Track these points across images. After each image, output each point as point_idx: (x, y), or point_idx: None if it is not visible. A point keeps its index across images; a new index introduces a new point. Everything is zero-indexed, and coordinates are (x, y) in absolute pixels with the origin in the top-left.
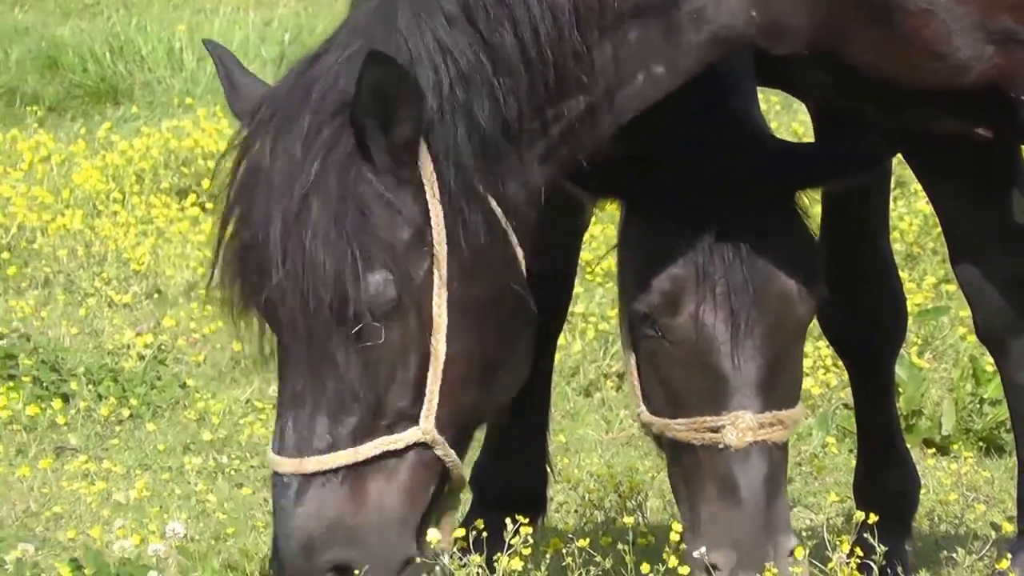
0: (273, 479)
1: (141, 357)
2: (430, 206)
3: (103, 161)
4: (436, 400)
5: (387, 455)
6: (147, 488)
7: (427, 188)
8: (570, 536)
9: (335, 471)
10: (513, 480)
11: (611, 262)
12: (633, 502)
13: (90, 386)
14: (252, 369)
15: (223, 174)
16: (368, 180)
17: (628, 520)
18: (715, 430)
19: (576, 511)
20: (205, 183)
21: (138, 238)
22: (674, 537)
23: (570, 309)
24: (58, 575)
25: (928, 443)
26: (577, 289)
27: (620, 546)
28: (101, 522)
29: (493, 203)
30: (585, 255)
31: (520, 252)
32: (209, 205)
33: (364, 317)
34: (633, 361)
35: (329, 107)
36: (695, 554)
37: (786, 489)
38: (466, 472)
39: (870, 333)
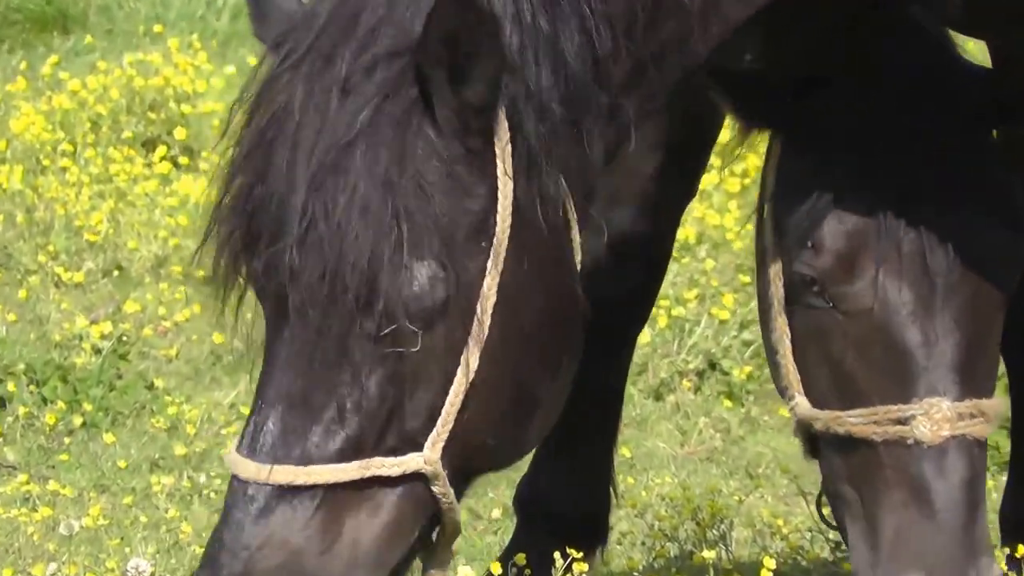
0: (231, 485)
1: (97, 351)
2: (500, 184)
3: (48, 104)
4: (450, 426)
5: (376, 482)
6: (104, 515)
7: (498, 162)
8: (636, 574)
9: (309, 490)
10: (568, 503)
11: (687, 231)
12: (715, 532)
13: (32, 387)
14: (238, 365)
15: (235, 123)
16: (431, 143)
17: (708, 555)
18: (902, 422)
19: (643, 543)
20: (177, 132)
21: (93, 201)
22: (765, 575)
23: None
24: None
25: None
26: None
27: None
28: (46, 558)
29: (562, 182)
30: None
31: (577, 253)
32: (183, 160)
33: (398, 318)
34: (787, 340)
35: (383, 45)
36: None
37: (986, 502)
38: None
39: None
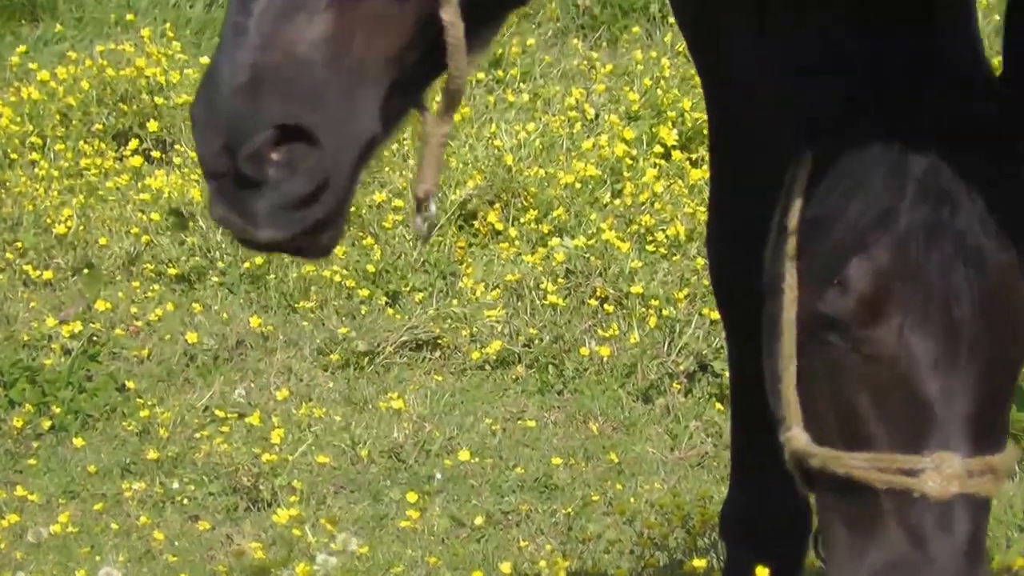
0: None
1: (66, 351)
2: None
3: (17, 95)
4: None
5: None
6: (73, 522)
7: None
8: None
9: None
10: (772, 515)
11: (678, 228)
12: (706, 540)
13: None
14: (212, 367)
15: None
16: None
17: (699, 564)
18: (911, 473)
19: (632, 551)
20: (150, 125)
21: (63, 196)
22: None
23: (626, 289)
24: None
25: None
26: (633, 263)
27: None
28: (13, 567)
29: None
30: (646, 219)
31: None
32: (155, 153)
33: None
34: (793, 370)
35: None
36: None
37: (987, 561)
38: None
39: None
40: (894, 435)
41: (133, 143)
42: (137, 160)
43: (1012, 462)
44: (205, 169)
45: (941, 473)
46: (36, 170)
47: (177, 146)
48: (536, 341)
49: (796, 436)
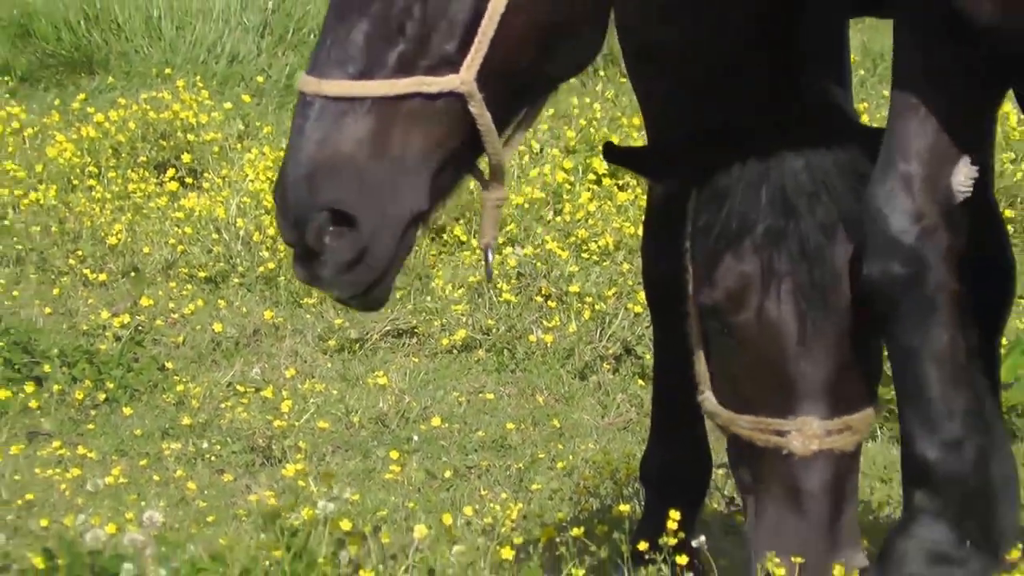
0: (298, 100)
1: (117, 338)
2: None
3: (78, 134)
4: (484, 51)
5: (417, 97)
6: (123, 475)
7: None
8: (564, 525)
9: (360, 101)
10: (685, 466)
11: (607, 239)
12: (630, 489)
13: (64, 368)
14: (233, 351)
15: None
16: None
17: (624, 508)
18: (780, 434)
19: (570, 499)
20: (184, 157)
21: (114, 214)
22: (671, 525)
23: (565, 288)
24: (30, 565)
25: None
26: (571, 268)
27: (616, 535)
28: (75, 510)
29: None
30: (581, 232)
31: None
32: (188, 180)
33: None
34: (702, 346)
35: None
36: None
37: (856, 501)
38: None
39: (978, 291)
40: (768, 402)
41: (171, 172)
42: (174, 185)
43: (871, 417)
44: (284, 239)
45: (803, 434)
46: (93, 193)
47: (206, 174)
48: (494, 330)
49: (708, 398)
